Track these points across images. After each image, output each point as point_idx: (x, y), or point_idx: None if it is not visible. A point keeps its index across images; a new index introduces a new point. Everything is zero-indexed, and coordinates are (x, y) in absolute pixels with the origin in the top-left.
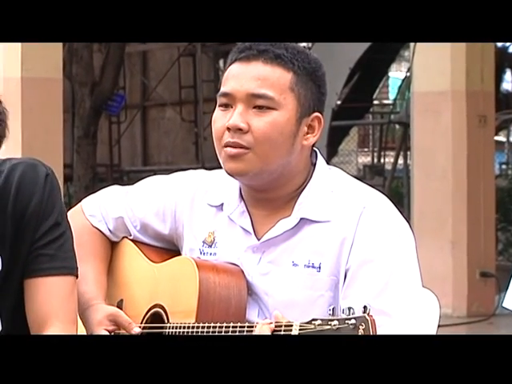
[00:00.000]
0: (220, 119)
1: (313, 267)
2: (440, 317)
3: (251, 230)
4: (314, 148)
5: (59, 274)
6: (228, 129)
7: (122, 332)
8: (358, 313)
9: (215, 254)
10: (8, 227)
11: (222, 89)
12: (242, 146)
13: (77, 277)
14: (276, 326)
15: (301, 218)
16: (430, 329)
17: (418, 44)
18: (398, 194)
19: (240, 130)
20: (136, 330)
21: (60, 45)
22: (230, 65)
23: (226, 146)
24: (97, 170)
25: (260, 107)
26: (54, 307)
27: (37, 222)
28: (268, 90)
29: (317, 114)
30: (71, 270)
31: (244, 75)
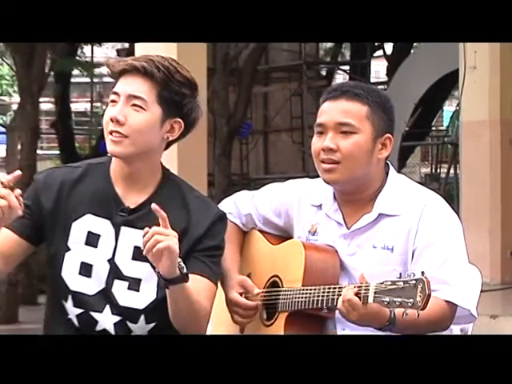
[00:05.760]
0: (317, 143)
1: (387, 249)
2: (481, 284)
3: (343, 223)
4: (387, 161)
5: (208, 277)
6: (323, 149)
7: (249, 295)
8: (418, 276)
9: (316, 240)
10: (177, 226)
11: (318, 121)
12: (333, 162)
13: (217, 288)
14: (358, 287)
15: (379, 213)
16: (475, 292)
17: (464, 87)
18: (450, 195)
19: (331, 149)
20: (256, 290)
21: (205, 87)
22: (322, 103)
23: (322, 161)
24: (231, 178)
25: (345, 132)
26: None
27: (200, 238)
28: (351, 120)
29: (388, 134)
30: (216, 281)
31: (333, 110)
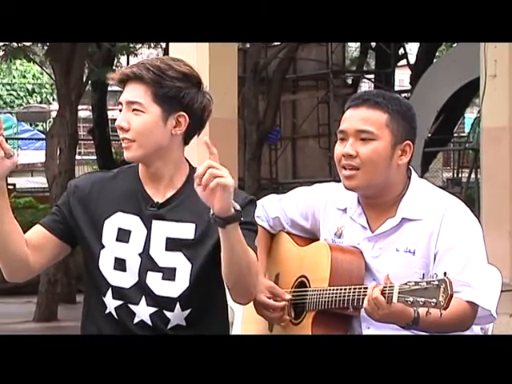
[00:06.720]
0: (338, 149)
1: (410, 252)
2: (502, 284)
3: (367, 226)
4: (410, 166)
5: (250, 246)
6: (343, 155)
7: (278, 299)
8: (440, 277)
9: (342, 242)
10: (207, 216)
11: (340, 128)
12: (353, 168)
13: (257, 261)
14: (383, 287)
15: (402, 218)
16: (496, 294)
17: (485, 95)
18: (471, 199)
19: (351, 155)
20: (287, 296)
21: (236, 95)
22: (345, 110)
23: (343, 167)
24: (261, 182)
25: (364, 139)
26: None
27: None
28: (370, 127)
29: (408, 141)
30: (256, 252)
31: (353, 117)
